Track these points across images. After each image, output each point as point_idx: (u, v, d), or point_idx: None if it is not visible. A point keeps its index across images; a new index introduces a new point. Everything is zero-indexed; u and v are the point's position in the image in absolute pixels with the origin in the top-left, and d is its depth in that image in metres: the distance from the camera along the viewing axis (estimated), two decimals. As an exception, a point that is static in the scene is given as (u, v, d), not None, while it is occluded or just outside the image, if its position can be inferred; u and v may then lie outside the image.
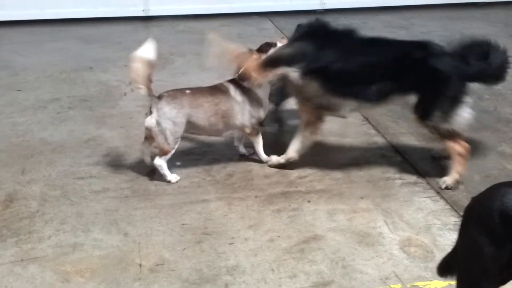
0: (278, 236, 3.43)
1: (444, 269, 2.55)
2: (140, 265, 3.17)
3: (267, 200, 3.80)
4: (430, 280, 3.05)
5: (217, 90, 4.12)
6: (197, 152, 4.40)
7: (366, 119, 4.99)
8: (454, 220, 3.56)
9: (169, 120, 3.89)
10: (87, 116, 5.03)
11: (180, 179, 4.03)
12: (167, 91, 4.02)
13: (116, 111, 5.14)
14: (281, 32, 7.40)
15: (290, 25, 7.57)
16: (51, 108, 5.17)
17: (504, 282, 2.38)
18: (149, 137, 4.01)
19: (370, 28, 7.69)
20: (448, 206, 3.72)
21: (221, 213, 3.66)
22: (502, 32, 7.58)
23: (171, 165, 4.05)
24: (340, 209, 3.70)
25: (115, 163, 4.23)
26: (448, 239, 3.36)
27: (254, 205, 3.74)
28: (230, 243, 3.36)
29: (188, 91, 4.04)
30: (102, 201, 3.77)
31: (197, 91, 4.09)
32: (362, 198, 3.82)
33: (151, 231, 3.47)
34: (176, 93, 4.00)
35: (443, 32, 7.53)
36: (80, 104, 5.25)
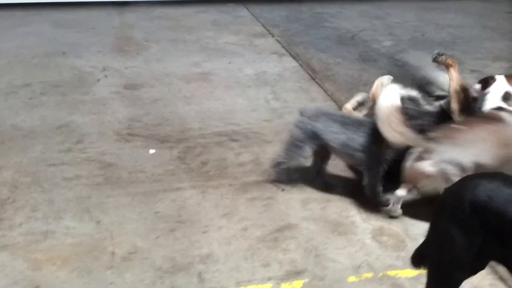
0: (252, 225, 3.43)
1: (418, 259, 2.58)
2: (113, 253, 3.15)
3: (241, 189, 3.79)
4: (402, 269, 3.09)
5: None
6: (172, 140, 4.37)
7: (340, 108, 5.00)
8: (426, 210, 3.59)
9: None
10: (60, 102, 4.96)
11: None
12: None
13: (89, 97, 5.07)
14: (257, 20, 7.38)
15: (266, 13, 7.61)
16: (22, 93, 5.09)
17: (475, 272, 2.42)
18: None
19: (345, 18, 7.71)
20: (420, 196, 3.75)
21: (195, 201, 3.64)
22: (476, 23, 7.64)
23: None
24: (314, 198, 3.72)
25: (88, 150, 4.18)
26: (420, 229, 3.39)
27: (228, 194, 3.73)
28: (204, 232, 3.35)
29: None
30: (74, 188, 3.73)
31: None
32: (335, 187, 3.83)
33: (124, 219, 3.44)
34: None
35: (418, 23, 7.58)
36: (52, 90, 5.18)
